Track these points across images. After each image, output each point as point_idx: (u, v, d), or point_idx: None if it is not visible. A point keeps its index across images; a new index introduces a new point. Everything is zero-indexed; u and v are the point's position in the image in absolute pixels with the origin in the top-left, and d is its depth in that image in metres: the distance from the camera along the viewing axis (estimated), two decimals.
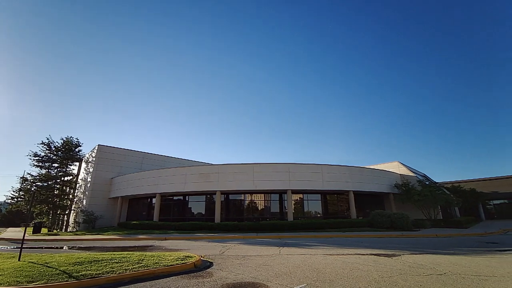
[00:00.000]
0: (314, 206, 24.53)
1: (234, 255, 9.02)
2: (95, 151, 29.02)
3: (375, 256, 8.54)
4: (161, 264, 6.77)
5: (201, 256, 8.39)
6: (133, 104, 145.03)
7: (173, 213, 24.95)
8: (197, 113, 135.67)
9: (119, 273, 6.03)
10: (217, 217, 21.02)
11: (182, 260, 7.20)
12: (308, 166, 22.45)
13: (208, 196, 23.87)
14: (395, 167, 30.44)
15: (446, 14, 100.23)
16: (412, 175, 28.50)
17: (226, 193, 23.44)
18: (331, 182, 22.37)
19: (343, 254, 9.02)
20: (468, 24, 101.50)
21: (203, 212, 23.87)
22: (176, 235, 16.75)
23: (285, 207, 22.84)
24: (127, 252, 8.77)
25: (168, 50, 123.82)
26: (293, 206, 22.57)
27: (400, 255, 8.71)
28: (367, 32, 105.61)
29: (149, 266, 6.57)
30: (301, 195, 24.11)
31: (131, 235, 17.58)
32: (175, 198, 25.39)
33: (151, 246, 12.42)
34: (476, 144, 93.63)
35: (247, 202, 24.10)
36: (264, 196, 24.02)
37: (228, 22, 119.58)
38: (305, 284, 5.29)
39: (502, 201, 36.31)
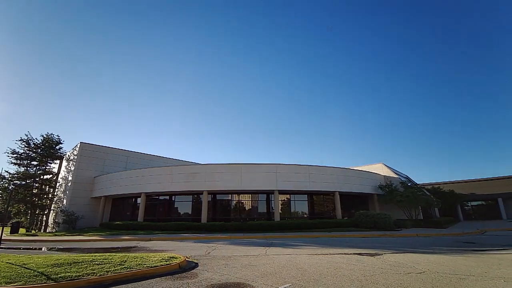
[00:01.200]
0: (300, 206, 24.79)
1: (220, 256, 8.97)
2: (77, 149, 28.07)
3: (359, 256, 8.74)
4: (145, 266, 6.62)
5: (187, 257, 8.29)
6: (117, 101, 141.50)
7: (159, 213, 24.51)
8: (187, 112, 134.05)
9: (100, 275, 5.84)
10: (204, 217, 20.83)
11: (166, 261, 7.08)
12: (295, 167, 22.66)
13: (195, 196, 23.62)
14: (379, 169, 31.25)
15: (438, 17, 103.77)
16: (395, 176, 29.35)
17: (213, 193, 23.28)
18: (317, 183, 22.68)
19: (328, 254, 9.16)
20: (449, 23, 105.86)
21: (190, 212, 23.59)
22: (161, 235, 16.45)
23: (272, 207, 22.94)
24: (109, 254, 8.53)
25: (166, 49, 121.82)
26: (280, 206, 22.71)
27: (382, 254, 8.95)
28: (356, 33, 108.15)
29: (132, 268, 6.41)
30: (288, 196, 24.30)
31: (114, 236, 17.11)
32: (161, 198, 24.95)
33: (134, 247, 12.14)
34: (456, 147, 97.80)
35: (234, 202, 24.04)
36: (251, 196, 24.04)
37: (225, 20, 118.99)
38: (289, 284, 5.34)
39: (479, 202, 38.02)
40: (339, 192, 23.50)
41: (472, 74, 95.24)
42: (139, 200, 24.10)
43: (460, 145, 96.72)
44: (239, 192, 23.30)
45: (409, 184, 28.45)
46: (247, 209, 24.31)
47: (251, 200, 24.29)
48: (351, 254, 9.13)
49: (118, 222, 22.12)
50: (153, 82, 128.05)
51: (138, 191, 23.16)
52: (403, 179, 30.12)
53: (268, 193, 23.29)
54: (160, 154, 35.80)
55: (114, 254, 8.51)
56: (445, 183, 40.19)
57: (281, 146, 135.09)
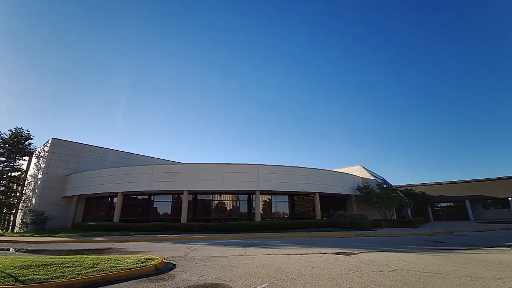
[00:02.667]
0: (281, 207, 25.07)
1: (199, 257, 8.85)
2: (48, 145, 26.53)
3: (336, 255, 8.98)
4: (119, 268, 6.37)
5: (164, 258, 8.09)
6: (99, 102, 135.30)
7: (136, 214, 23.74)
8: (173, 111, 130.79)
9: (70, 278, 5.56)
10: (184, 218, 20.46)
11: (142, 263, 6.87)
12: (277, 167, 22.88)
13: (175, 195, 23.14)
14: (358, 171, 32.31)
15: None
16: (372, 178, 30.48)
17: (194, 193, 22.94)
18: (298, 184, 23.04)
19: (306, 254, 9.33)
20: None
21: (169, 212, 23.07)
22: (138, 236, 15.94)
23: (253, 207, 23.00)
24: (80, 256, 8.12)
25: (164, 48, 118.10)
26: (261, 207, 22.82)
27: (358, 254, 9.26)
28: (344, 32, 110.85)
29: (105, 271, 6.14)
30: (269, 196, 24.48)
31: (86, 237, 16.34)
32: (139, 197, 24.18)
33: (109, 248, 11.67)
34: (427, 151, 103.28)
35: (215, 202, 23.85)
36: (233, 196, 23.96)
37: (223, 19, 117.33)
38: (268, 284, 5.37)
39: (448, 204, 40.39)
40: (319, 193, 24.01)
41: (446, 78, 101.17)
42: (115, 199, 23.18)
43: (433, 149, 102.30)
44: (220, 192, 23.14)
45: (384, 186, 29.66)
46: (228, 209, 24.20)
47: (233, 200, 24.22)
48: (328, 253, 9.36)
49: (92, 223, 21.15)
50: (140, 81, 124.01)
51: (115, 190, 22.29)
52: (379, 181, 31.35)
53: (250, 193, 23.31)
54: (138, 152, 34.64)
55: (86, 256, 8.12)
56: (417, 185, 42.31)
57: (261, 147, 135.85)
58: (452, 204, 39.89)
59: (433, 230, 19.72)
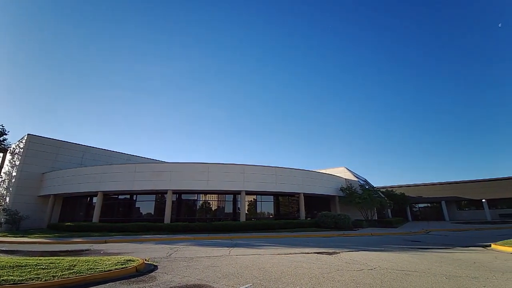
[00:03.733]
0: (267, 207, 25.18)
1: (182, 257, 8.73)
2: (23, 141, 25.23)
3: (318, 254, 9.14)
4: (97, 270, 6.16)
5: (145, 259, 7.91)
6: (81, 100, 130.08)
7: (118, 214, 23.03)
8: (160, 110, 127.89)
9: (45, 280, 5.33)
10: (167, 218, 20.08)
11: (122, 265, 6.67)
12: (263, 168, 22.97)
13: (159, 195, 22.66)
14: (342, 172, 33.03)
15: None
16: (355, 179, 31.26)
17: (178, 193, 22.58)
18: (283, 185, 23.24)
19: (290, 254, 9.43)
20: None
21: (152, 213, 22.56)
22: (118, 237, 15.47)
23: (238, 208, 22.95)
24: (56, 258, 7.78)
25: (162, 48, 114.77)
26: (246, 207, 22.81)
27: (339, 253, 9.48)
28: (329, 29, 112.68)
29: (82, 273, 5.92)
30: (254, 196, 24.51)
31: (63, 238, 15.66)
32: (120, 197, 23.47)
33: (87, 250, 11.25)
34: (408, 153, 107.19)
35: (200, 202, 23.60)
36: (218, 196, 23.80)
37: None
38: (251, 284, 5.39)
39: (425, 204, 42.13)
40: (303, 193, 24.32)
41: (426, 82, 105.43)
42: (95, 199, 22.37)
43: (413, 151, 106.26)
44: (206, 192, 22.92)
45: (367, 187, 30.50)
46: (213, 209, 24.01)
47: (218, 201, 24.05)
48: (311, 253, 9.51)
49: (69, 223, 20.29)
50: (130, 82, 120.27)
51: (95, 189, 21.51)
52: (362, 182, 32.21)
53: (235, 193, 23.25)
54: (120, 150, 33.63)
55: (62, 258, 7.79)
56: (397, 186, 43.84)
57: (246, 147, 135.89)
58: (429, 204, 41.62)
59: (411, 230, 20.49)
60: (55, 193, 23.48)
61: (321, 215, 21.87)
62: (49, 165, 25.59)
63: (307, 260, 8.10)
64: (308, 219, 23.99)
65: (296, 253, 9.48)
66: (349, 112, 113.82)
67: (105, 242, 13.94)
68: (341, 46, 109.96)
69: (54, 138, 27.10)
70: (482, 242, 12.78)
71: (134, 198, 23.15)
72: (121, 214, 22.87)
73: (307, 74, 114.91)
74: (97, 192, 21.50)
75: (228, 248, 10.89)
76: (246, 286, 5.26)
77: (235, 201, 23.80)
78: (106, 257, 7.97)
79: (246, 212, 22.41)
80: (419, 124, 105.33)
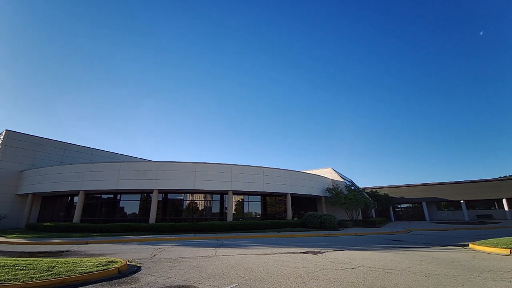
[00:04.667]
0: (254, 207, 25.20)
1: (167, 258, 8.58)
2: (1, 137, 24.02)
3: (304, 254, 9.23)
4: (77, 272, 5.95)
5: (128, 261, 7.71)
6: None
7: (100, 214, 22.32)
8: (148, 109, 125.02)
9: (23, 282, 5.11)
10: (152, 218, 19.69)
11: (103, 266, 6.47)
12: (250, 168, 22.96)
13: (144, 195, 22.19)
14: (328, 173, 33.54)
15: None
16: (342, 180, 31.84)
17: (164, 192, 22.19)
18: (271, 185, 23.32)
19: (276, 253, 9.48)
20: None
21: (137, 212, 22.05)
22: (101, 238, 15.01)
23: (225, 208, 22.84)
24: (34, 259, 7.46)
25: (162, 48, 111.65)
26: (234, 207, 22.73)
27: (325, 252, 9.62)
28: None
29: (61, 274, 5.70)
30: (242, 196, 24.46)
31: (42, 238, 15.03)
32: (103, 196, 22.79)
33: (67, 251, 10.85)
34: (390, 155, 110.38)
35: (187, 202, 23.29)
36: (205, 196, 23.58)
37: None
38: (236, 284, 5.37)
39: (407, 205, 43.51)
40: (291, 194, 24.51)
41: (411, 84, 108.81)
42: (76, 198, 21.63)
43: (396, 153, 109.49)
44: (192, 192, 22.65)
45: (352, 187, 31.15)
46: (200, 209, 23.77)
47: (205, 200, 23.83)
48: (297, 253, 9.60)
49: (49, 224, 19.49)
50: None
51: (76, 188, 20.78)
52: (348, 183, 32.85)
53: (223, 193, 23.12)
54: (104, 148, 32.71)
55: (40, 259, 7.48)
56: (381, 187, 45.02)
57: (233, 147, 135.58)
58: (411, 205, 43.01)
59: (393, 230, 21.08)
60: (34, 191, 22.52)
61: (307, 215, 22.11)
62: (28, 163, 24.54)
63: (293, 259, 8.17)
64: (295, 219, 24.20)
65: (282, 253, 9.54)
66: (336, 114, 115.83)
67: (86, 243, 13.49)
68: (328, 46, 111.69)
69: (33, 134, 26.01)
70: (461, 241, 13.27)
71: (118, 198, 22.54)
72: (104, 214, 22.20)
73: (293, 74, 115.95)
74: (78, 191, 20.78)
75: (214, 249, 10.81)
76: (232, 286, 5.23)
77: (222, 201, 23.66)
78: (86, 258, 7.71)
79: (234, 212, 22.33)
80: (404, 127, 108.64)
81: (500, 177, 46.26)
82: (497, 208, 35.89)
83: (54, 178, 21.84)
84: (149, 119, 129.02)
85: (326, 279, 5.74)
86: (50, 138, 27.02)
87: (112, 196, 22.59)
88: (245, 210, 24.71)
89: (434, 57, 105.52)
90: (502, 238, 11.65)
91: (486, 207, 37.23)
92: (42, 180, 22.28)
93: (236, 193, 22.86)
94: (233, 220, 21.01)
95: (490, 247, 9.93)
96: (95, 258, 7.72)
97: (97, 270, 6.13)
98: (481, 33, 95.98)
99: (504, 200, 34.13)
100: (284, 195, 24.95)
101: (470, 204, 37.55)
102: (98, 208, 22.71)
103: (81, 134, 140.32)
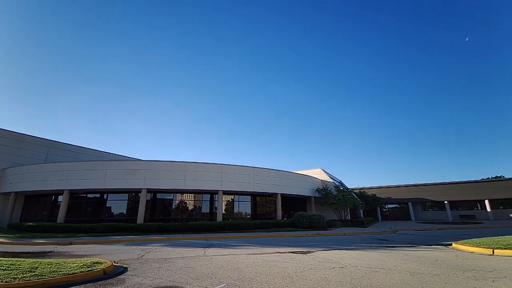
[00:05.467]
0: (244, 207, 25.18)
1: (154, 259, 8.45)
2: None
3: (293, 254, 9.30)
4: (60, 273, 5.79)
5: (114, 261, 7.56)
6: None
7: (86, 213, 21.79)
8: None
9: (6, 282, 4.96)
10: (140, 218, 19.36)
11: (88, 267, 6.32)
12: (241, 168, 22.93)
13: (133, 194, 21.80)
14: (318, 173, 33.89)
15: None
16: (331, 181, 32.24)
17: (153, 192, 21.88)
18: (261, 185, 23.37)
19: (265, 253, 9.50)
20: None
21: (125, 212, 21.65)
22: (86, 238, 14.66)
23: (215, 207, 22.72)
24: (17, 259, 7.21)
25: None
26: (224, 207, 22.64)
27: (313, 252, 9.72)
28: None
29: (44, 275, 5.54)
30: (232, 196, 24.41)
31: (25, 239, 14.54)
32: (89, 196, 22.25)
33: (51, 252, 10.54)
34: (376, 157, 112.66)
35: (176, 202, 23.05)
36: (195, 196, 23.40)
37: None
38: (224, 284, 5.35)
39: (394, 205, 44.51)
40: (281, 194, 24.63)
41: (409, 82, 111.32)
42: (60, 198, 21.02)
43: (385, 155, 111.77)
44: (182, 192, 22.42)
45: (341, 188, 31.58)
46: (190, 209, 23.56)
47: (195, 200, 23.64)
48: (286, 252, 9.66)
49: (31, 223, 18.86)
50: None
51: (60, 187, 20.18)
52: (337, 183, 33.29)
53: (213, 193, 23.00)
54: (90, 147, 31.95)
55: (23, 259, 7.24)
56: (369, 188, 45.88)
57: (223, 145, 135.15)
58: (397, 205, 44.02)
59: (380, 229, 21.52)
60: (17, 190, 21.75)
61: (297, 215, 22.28)
62: (11, 160, 23.68)
63: (282, 259, 8.21)
64: (285, 219, 24.34)
65: (271, 253, 9.58)
66: (328, 114, 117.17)
67: (71, 244, 13.14)
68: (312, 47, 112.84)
69: (17, 131, 25.11)
70: (444, 241, 13.66)
71: (105, 197, 22.07)
72: (90, 214, 21.68)
73: (284, 75, 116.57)
74: (63, 190, 20.21)
75: (203, 249, 10.74)
76: (220, 286, 5.21)
77: (212, 201, 23.54)
78: (71, 259, 7.52)
79: (223, 212, 22.25)
80: (393, 128, 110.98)
81: (483, 179, 48.03)
82: (479, 209, 37.14)
83: (38, 177, 21.15)
84: (139, 119, 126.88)
85: (314, 278, 5.81)
86: (34, 135, 26.12)
87: (98, 195, 22.10)
88: (235, 210, 24.66)
89: (420, 58, 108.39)
90: (484, 238, 12.05)
91: (469, 207, 38.50)
92: (25, 178, 21.54)
93: (226, 193, 22.79)
94: (223, 220, 20.93)
95: (472, 246, 10.26)
96: (79, 259, 7.53)
97: (82, 272, 5.99)
98: (466, 39, 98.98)
99: (486, 201, 35.36)
100: (274, 195, 25.05)
101: (454, 204, 38.74)
102: (83, 208, 22.16)
103: (80, 135, 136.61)
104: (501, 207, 35.88)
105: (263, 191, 23.73)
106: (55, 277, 5.54)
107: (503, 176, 47.56)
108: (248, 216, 24.77)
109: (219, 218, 20.98)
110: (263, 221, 21.13)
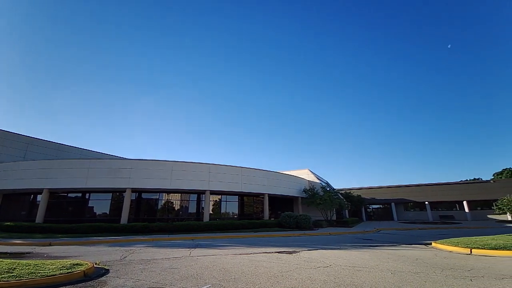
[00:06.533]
0: (231, 207, 25.09)
1: (138, 260, 8.27)
2: None
3: (279, 254, 9.36)
4: (39, 274, 5.56)
5: (95, 263, 7.33)
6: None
7: (67, 214, 21.01)
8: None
9: None
10: (124, 218, 18.89)
11: (68, 269, 6.10)
12: (228, 168, 22.84)
13: (116, 194, 21.24)
14: (305, 174, 34.27)
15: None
16: (318, 181, 32.67)
17: (138, 191, 21.40)
18: (249, 185, 23.36)
19: (252, 253, 9.51)
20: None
21: (108, 212, 21.05)
22: (66, 239, 14.14)
23: (202, 207, 22.51)
24: None
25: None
26: (211, 207, 22.46)
27: (299, 252, 9.81)
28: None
29: (22, 277, 5.30)
30: (219, 196, 24.27)
31: (2, 239, 13.88)
32: (70, 195, 21.48)
33: (29, 253, 10.11)
34: (361, 158, 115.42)
35: (162, 201, 22.66)
36: (181, 196, 23.09)
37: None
38: (210, 285, 5.31)
39: (378, 206, 45.70)
40: (268, 194, 24.71)
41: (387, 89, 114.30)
42: (39, 197, 20.17)
43: (370, 156, 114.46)
44: (168, 191, 22.05)
45: (328, 189, 32.05)
46: (176, 209, 23.21)
47: (181, 200, 23.32)
48: (273, 252, 9.71)
49: (9, 223, 17.98)
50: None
51: (40, 186, 19.37)
52: (324, 184, 33.76)
53: (200, 193, 22.77)
54: (72, 144, 30.90)
55: (1, 259, 6.91)
56: (354, 189, 46.92)
57: (210, 145, 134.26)
58: (381, 206, 45.24)
59: (364, 229, 22.03)
60: None
61: (284, 215, 22.42)
62: None
63: (268, 259, 8.24)
64: (272, 219, 24.43)
65: (258, 253, 9.59)
66: (316, 115, 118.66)
67: (50, 245, 12.65)
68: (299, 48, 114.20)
69: None
70: (424, 240, 14.12)
71: (87, 197, 21.36)
72: (71, 214, 20.92)
73: (271, 74, 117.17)
74: (42, 189, 19.41)
75: (189, 249, 10.61)
76: (205, 287, 5.17)
77: (199, 201, 23.30)
78: (50, 260, 7.24)
79: (211, 212, 22.08)
80: (379, 130, 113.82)
81: (461, 180, 50.27)
82: (458, 209, 38.74)
83: (15, 175, 20.21)
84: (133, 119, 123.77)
85: (299, 278, 5.87)
86: (12, 131, 24.96)
87: (80, 195, 21.37)
88: (223, 210, 24.53)
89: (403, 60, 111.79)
90: (462, 238, 12.55)
91: (449, 208, 40.08)
92: (2, 176, 20.53)
93: (213, 193, 22.62)
94: (210, 220, 20.76)
95: (451, 246, 10.66)
96: (59, 260, 7.26)
97: (61, 273, 5.77)
98: (449, 46, 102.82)
99: (464, 202, 36.92)
100: (261, 195, 25.10)
101: (434, 205, 40.21)
102: (64, 208, 21.37)
103: (84, 135, 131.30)
104: (478, 208, 37.57)
105: (251, 191, 23.73)
106: (33, 278, 5.33)
107: (481, 179, 49.81)
108: (235, 216, 24.70)
109: (206, 218, 20.80)
110: (250, 221, 21.13)
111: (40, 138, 26.79)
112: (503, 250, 9.11)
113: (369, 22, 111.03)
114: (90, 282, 5.60)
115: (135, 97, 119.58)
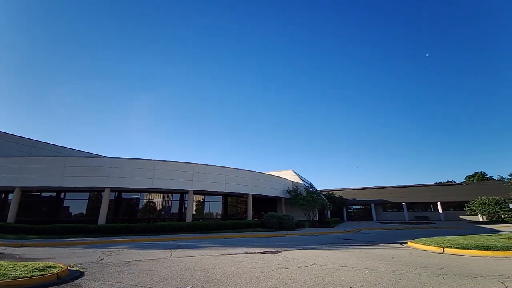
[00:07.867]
0: (215, 207, 24.88)
1: (116, 262, 8.01)
2: None
3: (261, 254, 9.40)
4: (10, 276, 5.25)
5: (70, 265, 7.02)
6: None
7: (40, 214, 19.95)
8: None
9: None
10: (102, 218, 18.21)
11: (40, 271, 5.80)
12: (212, 167, 22.64)
13: (94, 193, 20.44)
14: (289, 175, 34.63)
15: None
16: (301, 182, 33.11)
17: (118, 191, 20.71)
18: (233, 185, 23.27)
19: (234, 254, 9.49)
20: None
21: (85, 213, 20.21)
22: (39, 240, 13.44)
23: (185, 207, 22.16)
24: None
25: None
26: (194, 207, 22.15)
27: (282, 252, 9.91)
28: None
29: None
30: (203, 196, 24.00)
31: None
32: (44, 194, 20.42)
33: (0, 253, 9.52)
34: (345, 160, 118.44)
35: (144, 201, 22.06)
36: (163, 195, 22.59)
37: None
38: (190, 286, 5.25)
39: (359, 206, 47.06)
40: (252, 194, 24.73)
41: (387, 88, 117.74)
42: (11, 196, 19.04)
43: (347, 160, 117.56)
44: (150, 191, 21.50)
45: (311, 189, 32.60)
46: (158, 209, 22.69)
47: (163, 200, 22.82)
48: (255, 253, 9.73)
49: None
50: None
51: (11, 184, 18.27)
52: (307, 185, 34.32)
53: (183, 193, 22.40)
54: (47, 141, 29.42)
55: None
56: (336, 190, 48.09)
57: (194, 146, 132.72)
58: (361, 206, 46.63)
59: (345, 229, 22.59)
60: None
61: (267, 215, 22.53)
62: None
63: (250, 260, 8.25)
64: (255, 219, 24.47)
65: (240, 253, 9.58)
66: (301, 116, 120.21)
67: (22, 246, 12.00)
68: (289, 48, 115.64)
69: None
70: (401, 239, 14.72)
71: (62, 196, 20.39)
72: (44, 214, 19.88)
73: (255, 76, 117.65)
74: (14, 187, 18.34)
75: (170, 250, 10.42)
76: None
77: (182, 201, 22.91)
78: (22, 262, 6.85)
79: (194, 212, 21.78)
80: (363, 132, 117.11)
81: (436, 183, 52.86)
82: (432, 210, 40.64)
83: None
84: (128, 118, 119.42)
85: (280, 277, 5.92)
86: None
87: (55, 194, 20.37)
88: (206, 210, 24.27)
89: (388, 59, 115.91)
90: (435, 237, 13.22)
91: (424, 209, 41.95)
92: None
93: (197, 192, 22.33)
94: (192, 220, 20.46)
95: (425, 245, 11.20)
96: (31, 262, 6.89)
97: (33, 276, 5.49)
98: (427, 55, 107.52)
99: (438, 204, 38.80)
100: (245, 195, 25.08)
101: (410, 206, 41.96)
102: (38, 207, 20.28)
103: (81, 134, 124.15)
104: (451, 209, 39.59)
105: (235, 192, 23.65)
106: (4, 280, 5.04)
107: (454, 181, 52.67)
108: (218, 217, 24.52)
109: (189, 218, 20.49)
110: (233, 222, 21.05)
111: (12, 133, 25.25)
112: (474, 249, 9.64)
113: (362, 21, 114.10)
114: (63, 285, 5.36)
115: (130, 96, 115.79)
